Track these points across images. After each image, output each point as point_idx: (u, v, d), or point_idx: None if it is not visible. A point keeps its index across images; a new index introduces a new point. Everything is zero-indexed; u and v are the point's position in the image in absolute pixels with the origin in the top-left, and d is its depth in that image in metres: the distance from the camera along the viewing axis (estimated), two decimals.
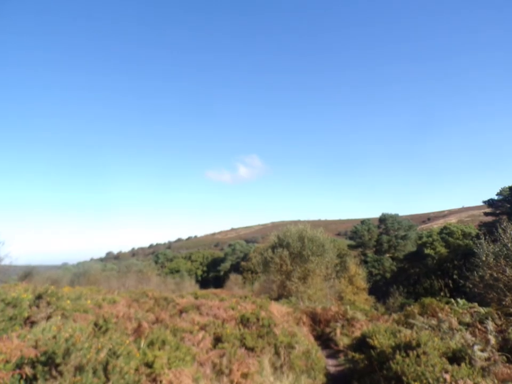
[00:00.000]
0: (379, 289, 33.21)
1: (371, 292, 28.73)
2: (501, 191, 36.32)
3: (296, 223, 20.85)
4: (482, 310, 8.82)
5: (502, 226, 11.29)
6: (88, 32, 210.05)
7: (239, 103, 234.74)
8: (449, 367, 5.01)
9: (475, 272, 11.77)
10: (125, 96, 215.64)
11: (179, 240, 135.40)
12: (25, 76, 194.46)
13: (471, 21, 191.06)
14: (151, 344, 5.28)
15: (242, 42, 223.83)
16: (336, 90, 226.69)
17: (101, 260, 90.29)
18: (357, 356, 7.24)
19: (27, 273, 22.59)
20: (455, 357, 5.58)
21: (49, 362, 3.59)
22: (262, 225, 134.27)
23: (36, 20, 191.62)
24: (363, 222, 50.04)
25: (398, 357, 5.45)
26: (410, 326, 8.35)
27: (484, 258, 11.37)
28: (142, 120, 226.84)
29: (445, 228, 38.22)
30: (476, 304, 9.74)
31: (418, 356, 5.35)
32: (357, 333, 9.54)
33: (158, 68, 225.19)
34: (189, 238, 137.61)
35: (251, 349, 6.41)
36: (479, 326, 7.44)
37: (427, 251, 35.63)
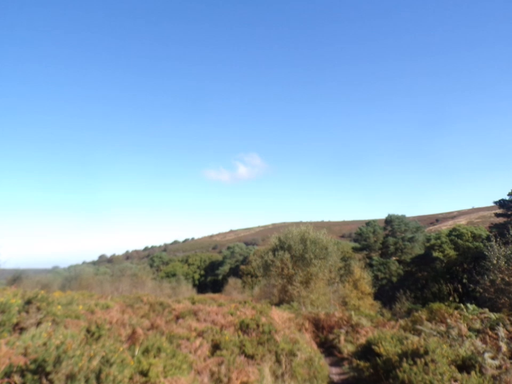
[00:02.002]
0: (385, 294, 33.24)
1: (377, 296, 28.76)
2: None
3: (298, 224, 20.87)
4: (493, 315, 8.81)
5: None
6: (79, 26, 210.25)
7: (239, 99, 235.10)
8: (459, 376, 5.01)
9: (485, 276, 11.78)
10: (118, 92, 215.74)
11: (175, 242, 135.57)
12: (13, 71, 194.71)
13: (480, 13, 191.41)
14: (146, 351, 5.29)
15: (240, 35, 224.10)
16: (340, 85, 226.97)
17: (94, 263, 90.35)
18: (361, 363, 7.25)
19: (16, 277, 22.64)
20: (465, 365, 5.58)
21: (39, 370, 3.59)
22: (262, 227, 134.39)
23: (27, 14, 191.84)
24: (368, 223, 50.06)
25: (405, 365, 5.45)
26: (418, 333, 8.35)
27: (495, 262, 11.38)
28: (136, 117, 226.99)
29: (454, 229, 38.23)
30: (486, 309, 9.74)
31: (426, 363, 5.36)
32: (362, 340, 9.55)
33: (154, 63, 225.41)
34: (185, 240, 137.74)
35: (251, 357, 6.42)
36: (490, 333, 7.44)
37: (435, 254, 35.66)
